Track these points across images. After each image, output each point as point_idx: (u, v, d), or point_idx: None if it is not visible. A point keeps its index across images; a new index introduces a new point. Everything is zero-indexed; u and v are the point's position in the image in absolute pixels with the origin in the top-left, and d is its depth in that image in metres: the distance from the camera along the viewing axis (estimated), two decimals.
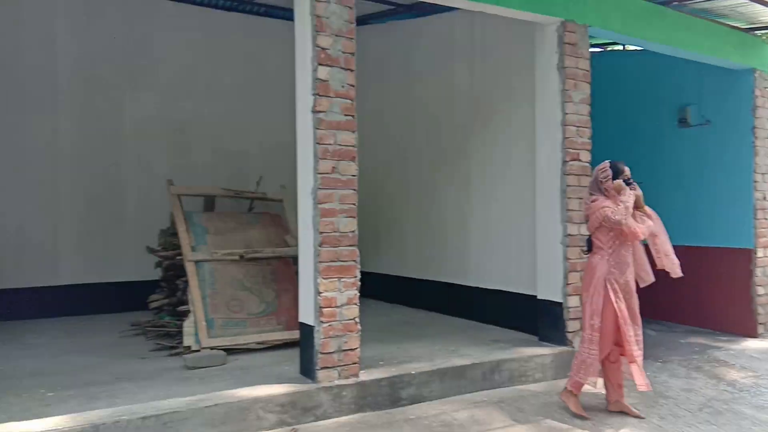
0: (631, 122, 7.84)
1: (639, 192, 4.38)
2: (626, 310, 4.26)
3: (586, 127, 5.53)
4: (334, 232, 4.29)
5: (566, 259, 5.36)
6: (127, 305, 6.75)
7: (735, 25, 6.68)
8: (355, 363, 4.34)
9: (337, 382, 4.24)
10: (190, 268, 5.41)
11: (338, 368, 4.27)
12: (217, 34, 7.80)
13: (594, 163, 5.57)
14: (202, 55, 7.71)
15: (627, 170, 4.40)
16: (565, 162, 5.40)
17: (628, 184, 4.34)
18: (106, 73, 7.17)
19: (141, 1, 7.33)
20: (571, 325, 5.36)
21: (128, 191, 7.30)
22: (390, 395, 4.44)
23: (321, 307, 4.22)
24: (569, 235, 5.37)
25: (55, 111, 6.93)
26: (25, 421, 3.47)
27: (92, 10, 7.10)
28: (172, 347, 5.28)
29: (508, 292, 6.31)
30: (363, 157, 4.64)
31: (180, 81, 7.57)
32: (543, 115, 5.57)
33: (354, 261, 4.36)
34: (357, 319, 4.36)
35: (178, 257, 5.72)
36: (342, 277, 4.30)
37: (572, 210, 5.39)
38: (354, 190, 4.38)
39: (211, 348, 5.01)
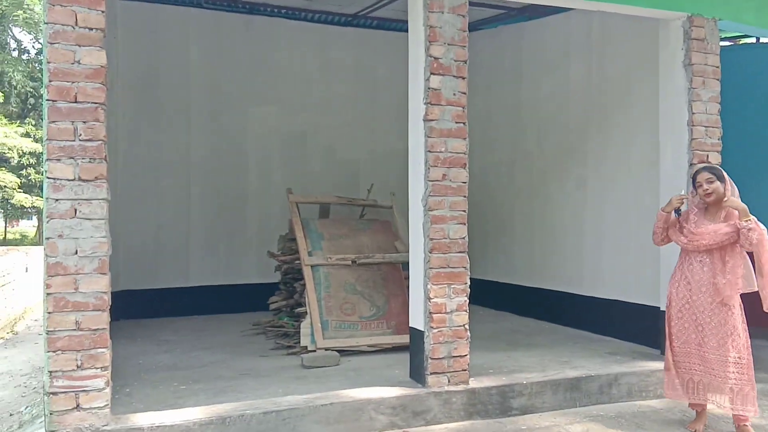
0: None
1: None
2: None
3: (715, 128, 5.16)
4: (444, 238, 4.32)
5: None
6: (249, 305, 7.18)
7: None
8: (464, 370, 4.34)
9: (446, 388, 4.26)
10: (306, 272, 5.67)
11: (448, 374, 4.29)
12: (332, 48, 8.12)
13: (725, 165, 5.21)
14: (317, 68, 8.06)
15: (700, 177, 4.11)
16: (692, 164, 5.06)
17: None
18: (231, 89, 7.69)
19: (264, 22, 7.80)
20: None
21: (251, 199, 7.78)
22: (500, 404, 4.38)
23: (431, 313, 4.27)
24: None
25: (188, 127, 7.54)
26: (161, 412, 3.80)
27: (221, 33, 7.66)
28: (290, 347, 5.55)
29: (627, 302, 6.00)
30: (472, 162, 4.63)
31: (298, 94, 7.96)
32: (667, 114, 5.27)
33: (464, 268, 4.37)
34: (466, 326, 4.36)
35: (296, 261, 6.01)
36: (452, 284, 4.32)
37: None
38: (464, 197, 4.39)
39: (326, 349, 5.21)
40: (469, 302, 4.44)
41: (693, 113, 5.08)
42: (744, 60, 7.28)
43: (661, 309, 5.27)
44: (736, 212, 3.97)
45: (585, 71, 6.64)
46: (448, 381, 4.28)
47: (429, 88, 4.30)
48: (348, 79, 8.19)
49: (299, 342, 5.40)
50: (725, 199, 4.00)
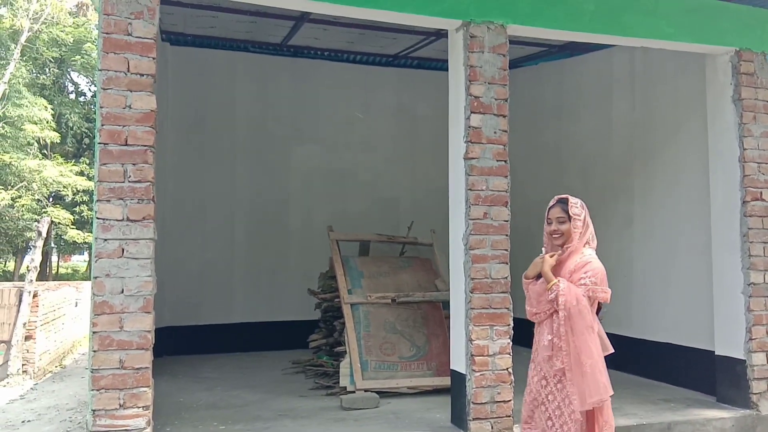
0: None
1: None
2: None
3: None
4: (486, 278, 4.24)
5: (749, 310, 4.79)
6: (289, 343, 7.18)
7: None
8: (508, 416, 4.20)
9: None
10: (346, 310, 5.64)
11: (491, 420, 4.15)
12: (374, 88, 8.25)
13: None
14: (359, 108, 8.18)
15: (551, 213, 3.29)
16: (745, 202, 4.88)
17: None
18: (276, 128, 7.87)
19: (307, 64, 8.00)
20: (757, 386, 4.76)
21: (293, 237, 7.86)
22: None
23: (473, 355, 4.16)
24: (753, 284, 4.81)
25: (233, 166, 7.72)
26: None
27: (266, 75, 7.88)
28: (329, 387, 5.49)
29: (679, 345, 5.75)
30: (514, 201, 4.57)
31: (340, 133, 8.08)
32: (717, 151, 5.12)
33: (507, 308, 4.27)
34: (510, 369, 4.23)
35: (336, 299, 5.99)
36: (494, 325, 4.22)
37: (756, 255, 4.84)
38: (506, 235, 4.32)
39: (366, 390, 5.13)
40: (515, 344, 4.32)
41: (744, 149, 4.93)
42: None
43: (717, 353, 5.03)
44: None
45: (628, 108, 6.53)
46: (491, 427, 4.14)
47: (469, 127, 4.29)
48: (389, 118, 8.29)
49: (338, 382, 5.34)
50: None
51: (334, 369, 5.65)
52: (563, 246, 3.23)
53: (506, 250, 4.31)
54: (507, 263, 4.31)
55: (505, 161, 4.36)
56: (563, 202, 3.25)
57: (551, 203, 3.29)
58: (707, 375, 5.17)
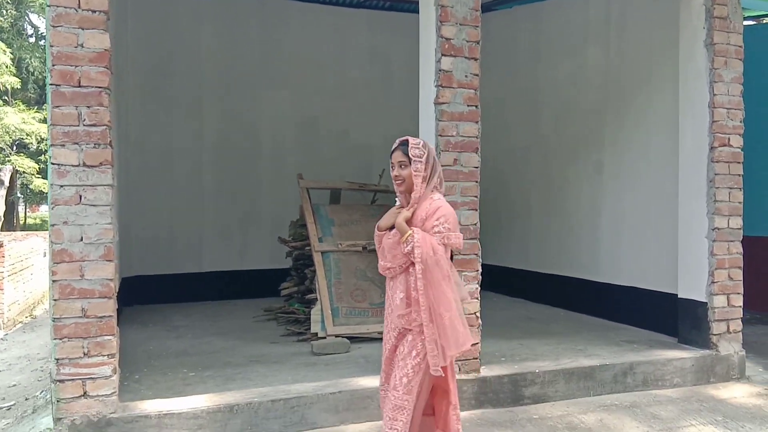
0: None
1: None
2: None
3: (737, 110, 4.99)
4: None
5: (712, 254, 4.88)
6: (260, 291, 7.16)
7: None
8: (475, 358, 4.26)
9: (457, 377, 4.18)
10: (317, 258, 5.62)
11: (459, 362, 4.21)
12: (345, 31, 8.00)
13: (747, 149, 5.04)
14: (330, 52, 7.95)
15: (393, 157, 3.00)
16: (713, 148, 4.90)
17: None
18: (244, 74, 7.62)
19: (276, 4, 7.69)
20: (717, 327, 4.90)
21: (263, 184, 7.73)
22: (512, 393, 4.31)
23: None
24: (717, 228, 4.89)
25: (200, 112, 7.49)
26: (169, 399, 3.77)
27: (232, 17, 7.57)
28: (300, 333, 5.52)
29: (644, 289, 5.88)
30: (485, 147, 4.52)
31: (310, 79, 7.86)
32: (688, 96, 5.10)
33: (475, 254, 4.27)
34: (478, 314, 4.27)
35: (307, 248, 5.96)
36: (463, 271, 4.22)
37: (721, 201, 4.90)
38: (476, 182, 4.29)
39: (336, 336, 5.16)
40: (484, 289, 4.35)
41: (714, 95, 4.91)
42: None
43: (679, 296, 5.16)
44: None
45: (604, 53, 6.46)
46: (459, 369, 4.21)
47: (440, 70, 4.18)
48: (361, 62, 8.07)
49: (310, 328, 5.36)
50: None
51: (305, 316, 5.67)
52: (407, 193, 2.96)
53: (476, 196, 4.29)
54: (476, 210, 4.29)
55: (476, 106, 4.28)
56: (404, 144, 2.96)
57: (393, 146, 3.00)
58: (670, 317, 5.31)
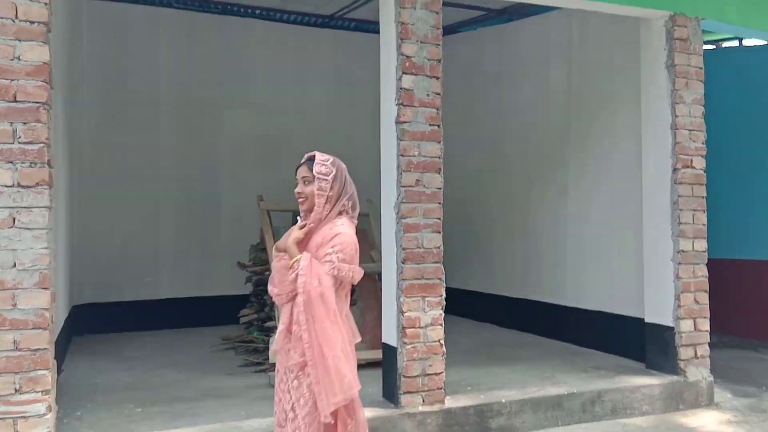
0: (750, 126, 7.05)
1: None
2: None
3: (699, 131, 4.99)
4: (418, 248, 4.07)
5: (678, 277, 4.83)
6: (220, 319, 6.84)
7: None
8: (440, 388, 4.09)
9: (421, 408, 4.00)
10: None
11: (422, 393, 4.03)
12: (309, 50, 7.86)
13: (710, 171, 5.04)
14: (293, 71, 7.80)
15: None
16: (676, 169, 4.88)
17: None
18: (203, 92, 7.40)
19: (237, 22, 7.53)
20: (684, 352, 4.83)
21: (223, 207, 7.47)
22: (478, 424, 4.13)
23: (404, 328, 4.01)
24: (682, 251, 4.84)
25: (157, 131, 7.22)
26: None
27: (192, 34, 7.37)
28: (259, 363, 5.27)
29: (610, 313, 5.80)
30: (449, 169, 4.40)
31: (272, 98, 7.68)
32: (650, 118, 5.08)
33: (439, 279, 4.13)
34: (442, 341, 4.11)
35: (267, 272, 5.72)
36: (426, 296, 4.07)
37: (685, 223, 4.86)
38: (439, 203, 4.16)
39: None
40: (448, 313, 4.20)
41: (676, 116, 4.91)
42: (727, 62, 7.17)
43: (646, 321, 5.08)
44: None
45: (565, 74, 6.46)
46: (423, 401, 4.03)
47: (401, 89, 4.07)
48: (325, 82, 7.94)
49: (268, 358, 5.11)
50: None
51: (264, 345, 5.42)
52: (309, 212, 2.66)
53: (439, 218, 4.15)
54: (440, 232, 4.16)
55: (438, 126, 4.17)
56: (311, 160, 2.71)
57: (302, 160, 2.75)
58: (637, 342, 5.22)
